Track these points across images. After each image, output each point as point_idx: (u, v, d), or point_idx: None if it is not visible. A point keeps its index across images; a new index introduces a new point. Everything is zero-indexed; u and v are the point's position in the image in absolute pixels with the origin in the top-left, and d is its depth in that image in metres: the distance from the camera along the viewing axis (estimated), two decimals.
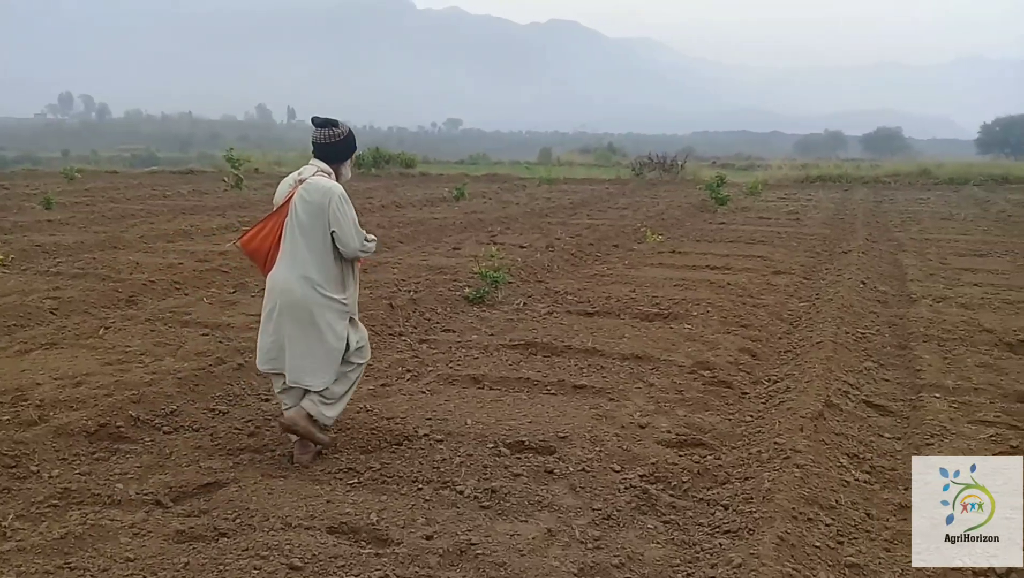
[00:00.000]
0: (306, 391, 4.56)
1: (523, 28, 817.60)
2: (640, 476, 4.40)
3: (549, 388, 5.88)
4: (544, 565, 3.51)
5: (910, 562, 3.60)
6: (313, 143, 4.55)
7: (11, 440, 4.67)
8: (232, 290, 9.18)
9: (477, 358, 6.61)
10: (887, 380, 6.24)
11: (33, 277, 9.68)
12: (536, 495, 4.18)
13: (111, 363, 6.37)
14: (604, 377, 6.15)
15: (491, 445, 4.75)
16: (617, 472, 4.46)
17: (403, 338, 7.27)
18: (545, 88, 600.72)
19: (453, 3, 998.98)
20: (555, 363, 6.48)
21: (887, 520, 4.00)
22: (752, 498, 4.04)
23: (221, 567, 3.48)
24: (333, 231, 4.39)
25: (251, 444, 4.86)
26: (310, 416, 4.52)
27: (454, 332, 7.48)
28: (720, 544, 3.69)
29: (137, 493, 4.18)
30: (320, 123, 4.57)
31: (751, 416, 5.39)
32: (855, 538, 3.80)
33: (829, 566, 3.50)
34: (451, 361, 6.52)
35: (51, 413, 5.23)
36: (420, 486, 4.30)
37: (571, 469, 4.48)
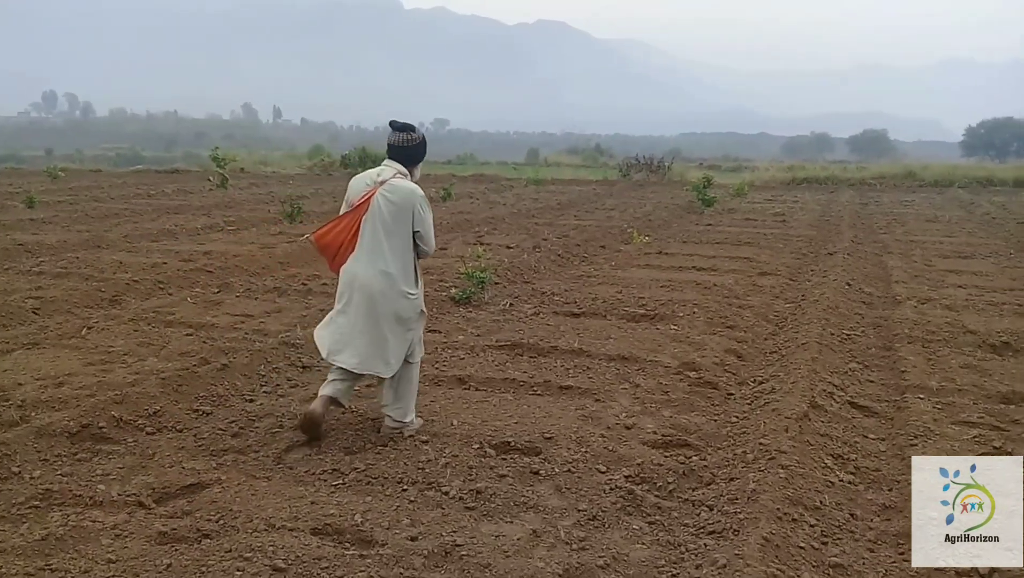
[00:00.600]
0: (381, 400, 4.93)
1: (511, 28, 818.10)
2: (625, 477, 4.40)
3: (535, 389, 5.88)
4: (529, 566, 3.50)
5: (894, 563, 3.62)
6: (390, 145, 4.78)
7: None
8: (216, 290, 9.13)
9: (463, 359, 6.59)
10: (872, 381, 6.27)
11: (15, 276, 9.59)
12: (521, 496, 4.18)
13: (94, 363, 6.32)
14: (590, 378, 6.14)
15: (477, 446, 4.74)
16: (603, 473, 4.46)
17: None
18: (533, 89, 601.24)
19: (440, 3, 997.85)
20: (541, 364, 6.47)
21: (871, 521, 4.02)
22: (737, 499, 4.05)
23: (204, 569, 3.45)
24: (417, 231, 4.68)
25: (235, 445, 4.83)
26: (332, 400, 4.81)
27: (440, 333, 7.46)
28: (705, 545, 3.69)
29: (119, 494, 4.15)
30: (399, 127, 4.80)
31: (736, 417, 5.40)
32: (839, 539, 3.81)
33: (813, 567, 3.51)
34: (437, 362, 6.50)
35: (33, 413, 5.18)
36: (405, 487, 4.28)
37: (557, 470, 4.47)
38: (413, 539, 3.73)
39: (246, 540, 3.68)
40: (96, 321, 7.65)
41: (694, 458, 4.73)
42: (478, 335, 7.33)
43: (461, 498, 4.16)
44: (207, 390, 5.68)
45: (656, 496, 4.25)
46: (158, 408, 5.28)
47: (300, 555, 3.56)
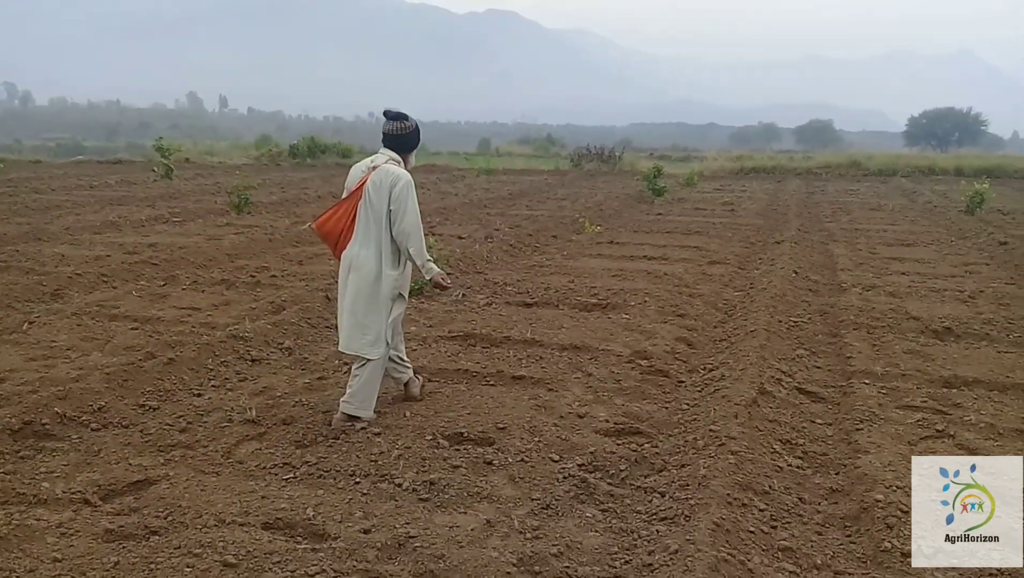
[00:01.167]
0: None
1: (461, 18, 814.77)
2: (579, 465, 4.42)
3: (488, 379, 5.87)
4: (483, 556, 3.50)
5: (842, 545, 3.69)
6: (385, 134, 4.95)
7: None
8: (162, 283, 8.95)
9: (415, 350, 6.56)
10: (819, 367, 6.38)
11: None
12: (475, 486, 4.17)
13: (36, 359, 6.17)
14: (543, 367, 6.16)
15: (430, 437, 4.73)
16: (556, 462, 4.48)
17: None
18: (484, 78, 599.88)
19: None
20: (494, 354, 6.47)
21: (819, 504, 4.09)
22: (688, 485, 4.09)
23: (152, 566, 3.39)
24: (392, 210, 4.78)
25: (183, 440, 4.75)
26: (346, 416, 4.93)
27: None
28: (657, 531, 3.73)
29: (64, 492, 4.05)
30: (393, 116, 4.95)
31: (687, 404, 5.46)
32: (788, 522, 3.88)
33: (763, 550, 3.57)
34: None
35: None
36: (358, 480, 4.25)
37: (510, 460, 4.48)
38: (366, 532, 3.71)
39: (195, 536, 3.63)
40: (38, 316, 7.45)
41: (646, 445, 4.77)
42: (430, 326, 7.30)
43: (414, 490, 4.14)
44: (153, 385, 5.57)
45: (609, 484, 4.27)
46: (103, 404, 5.17)
47: (251, 550, 3.51)
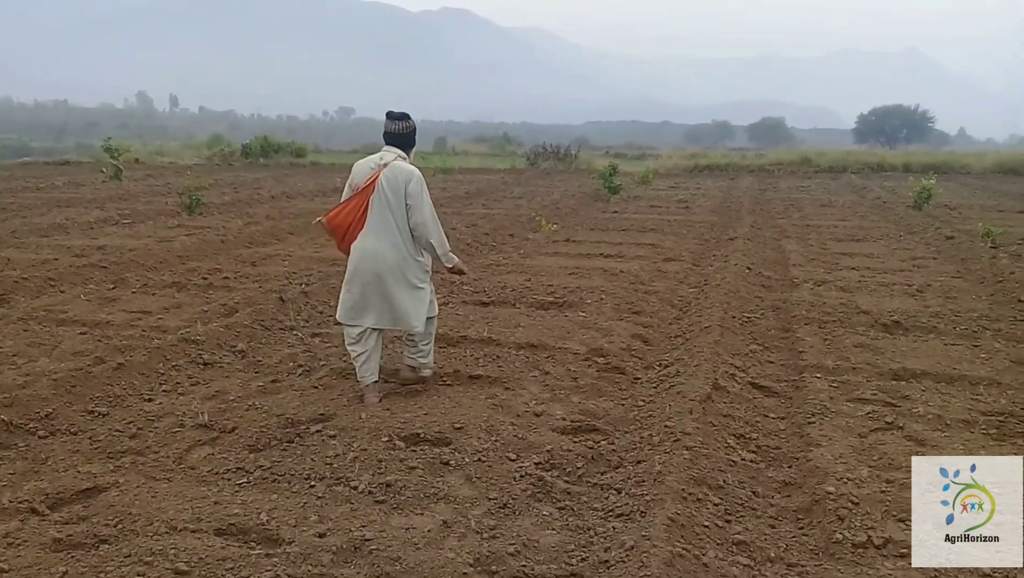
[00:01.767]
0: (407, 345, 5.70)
1: (415, 15, 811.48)
2: (536, 464, 4.43)
3: (444, 379, 5.85)
4: (440, 557, 3.49)
5: (795, 538, 3.74)
6: (389, 133, 5.31)
7: None
8: (112, 286, 8.78)
9: None
10: (771, 362, 6.46)
11: None
12: (432, 487, 4.16)
13: None
14: (500, 366, 6.16)
15: (386, 438, 4.69)
16: (513, 461, 4.48)
17: (294, 332, 7.11)
18: (438, 76, 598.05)
19: None
20: (450, 354, 6.45)
21: (772, 497, 4.14)
22: (644, 481, 4.12)
23: (102, 575, 3.32)
24: (408, 204, 5.16)
25: (133, 446, 4.66)
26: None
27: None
28: (613, 527, 3.75)
29: (11, 501, 3.95)
30: (396, 116, 5.32)
31: (643, 400, 5.49)
32: (742, 516, 3.92)
33: (718, 544, 3.60)
34: (344, 355, 6.37)
35: None
36: (312, 483, 4.21)
37: (467, 459, 4.46)
38: (321, 535, 3.67)
39: (146, 544, 3.56)
40: None
41: (602, 443, 4.79)
42: None
43: (370, 492, 4.11)
44: (103, 390, 5.46)
45: (566, 481, 4.28)
46: (51, 410, 5.05)
47: (203, 557, 3.46)
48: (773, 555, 3.58)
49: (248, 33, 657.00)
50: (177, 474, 4.33)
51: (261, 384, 5.72)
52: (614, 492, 4.13)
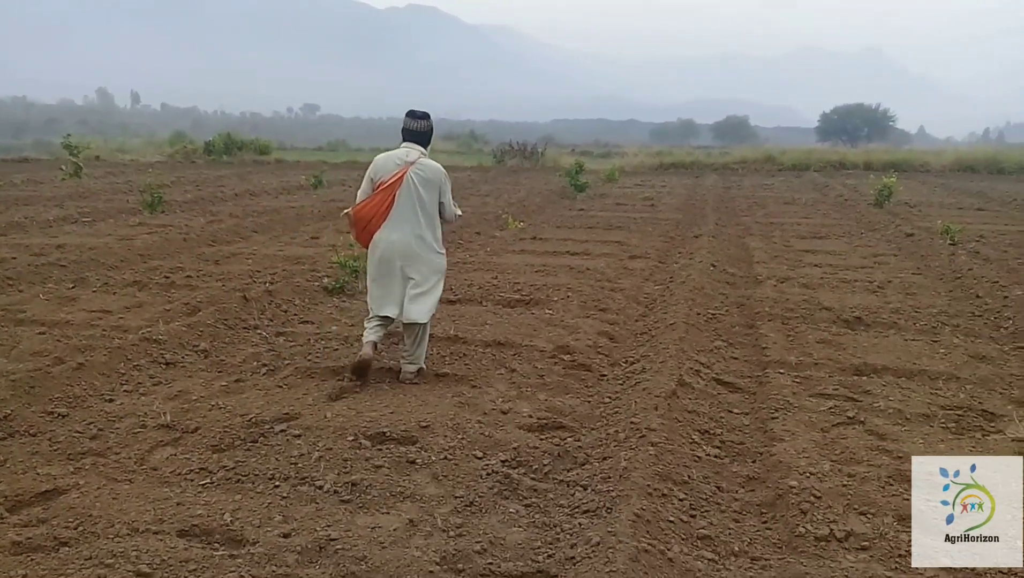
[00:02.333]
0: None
1: (381, 12, 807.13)
2: (502, 461, 4.43)
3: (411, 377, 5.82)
4: (406, 556, 3.48)
5: (758, 532, 3.78)
6: (411, 131, 5.62)
7: None
8: (71, 285, 8.64)
9: (337, 350, 6.48)
10: (736, 358, 6.52)
11: None
12: (398, 486, 4.14)
13: None
14: (466, 364, 6.15)
15: (351, 438, 4.66)
16: (479, 458, 4.47)
17: (258, 331, 7.04)
18: (405, 73, 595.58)
19: None
20: None
21: (736, 492, 4.18)
22: (610, 477, 4.14)
23: None
24: (442, 201, 5.65)
25: (93, 447, 4.59)
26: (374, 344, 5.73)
27: (312, 324, 7.32)
28: (580, 524, 3.76)
29: None
30: (419, 115, 5.66)
31: (609, 397, 5.52)
32: (707, 511, 3.95)
33: (683, 539, 3.63)
34: (309, 354, 6.36)
35: None
36: (277, 483, 4.17)
37: (433, 458, 4.45)
38: (286, 536, 3.64)
39: (107, 546, 3.51)
40: None
41: (569, 440, 4.80)
42: (352, 325, 7.21)
43: (336, 491, 4.08)
44: (62, 391, 5.37)
45: (532, 479, 4.29)
46: (9, 412, 4.95)
47: (166, 558, 3.41)
48: (737, 549, 3.62)
49: (212, 29, 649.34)
50: (139, 475, 4.28)
51: (224, 384, 5.66)
52: (580, 489, 4.15)
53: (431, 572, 3.37)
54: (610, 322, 7.48)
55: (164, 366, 6.05)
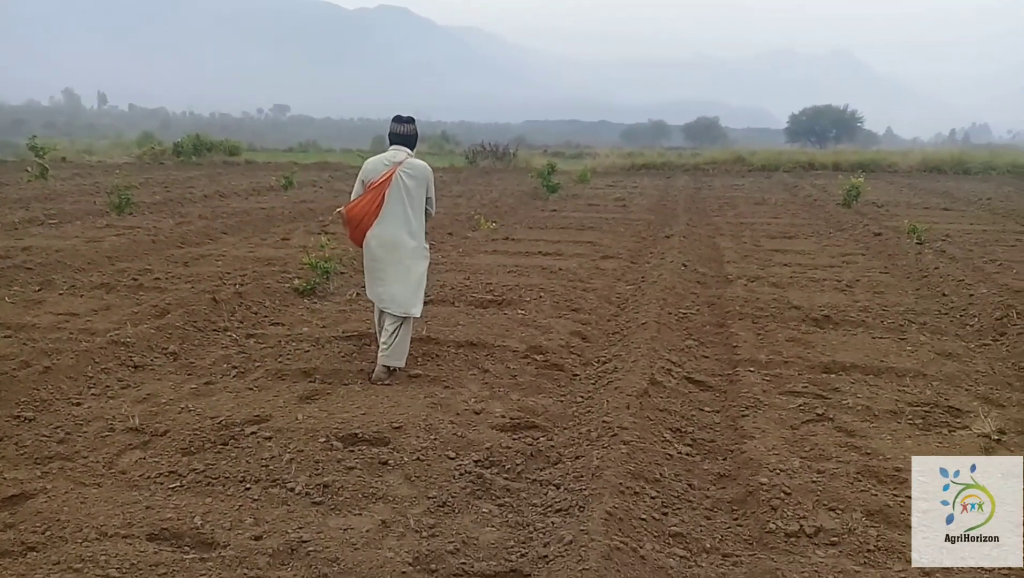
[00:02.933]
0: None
1: (351, 13, 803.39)
2: (475, 461, 4.43)
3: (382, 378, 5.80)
4: (378, 557, 3.46)
5: (729, 528, 3.81)
6: (397, 134, 5.89)
7: None
8: (37, 288, 8.52)
9: (308, 351, 6.44)
10: (707, 357, 6.57)
11: None
12: (370, 487, 4.13)
13: None
14: (439, 365, 6.14)
15: (323, 439, 4.64)
16: (452, 459, 4.47)
17: (228, 333, 6.98)
18: (376, 74, 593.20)
19: None
20: None
21: (708, 489, 4.21)
22: (582, 476, 4.15)
23: None
24: (429, 197, 5.94)
25: (61, 451, 4.53)
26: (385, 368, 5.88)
27: (283, 325, 7.26)
28: (552, 523, 3.77)
29: None
30: (405, 120, 5.93)
31: (582, 397, 5.53)
32: (679, 508, 3.98)
33: (655, 537, 3.65)
34: (280, 355, 6.32)
35: None
36: (248, 486, 4.14)
37: (406, 459, 4.44)
38: (257, 538, 3.61)
39: (76, 550, 3.47)
40: None
41: (541, 439, 4.81)
42: (324, 326, 7.18)
43: (307, 493, 4.06)
44: (29, 395, 5.29)
45: (505, 478, 4.29)
46: None
47: (135, 563, 3.38)
48: (708, 546, 3.64)
49: (180, 30, 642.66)
50: (107, 479, 4.23)
51: (194, 386, 5.61)
52: (553, 488, 4.16)
53: (404, 573, 3.36)
54: (582, 322, 7.50)
55: (132, 369, 5.98)
